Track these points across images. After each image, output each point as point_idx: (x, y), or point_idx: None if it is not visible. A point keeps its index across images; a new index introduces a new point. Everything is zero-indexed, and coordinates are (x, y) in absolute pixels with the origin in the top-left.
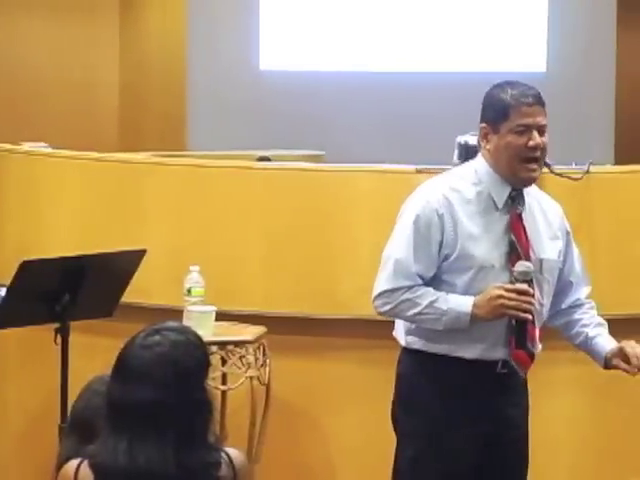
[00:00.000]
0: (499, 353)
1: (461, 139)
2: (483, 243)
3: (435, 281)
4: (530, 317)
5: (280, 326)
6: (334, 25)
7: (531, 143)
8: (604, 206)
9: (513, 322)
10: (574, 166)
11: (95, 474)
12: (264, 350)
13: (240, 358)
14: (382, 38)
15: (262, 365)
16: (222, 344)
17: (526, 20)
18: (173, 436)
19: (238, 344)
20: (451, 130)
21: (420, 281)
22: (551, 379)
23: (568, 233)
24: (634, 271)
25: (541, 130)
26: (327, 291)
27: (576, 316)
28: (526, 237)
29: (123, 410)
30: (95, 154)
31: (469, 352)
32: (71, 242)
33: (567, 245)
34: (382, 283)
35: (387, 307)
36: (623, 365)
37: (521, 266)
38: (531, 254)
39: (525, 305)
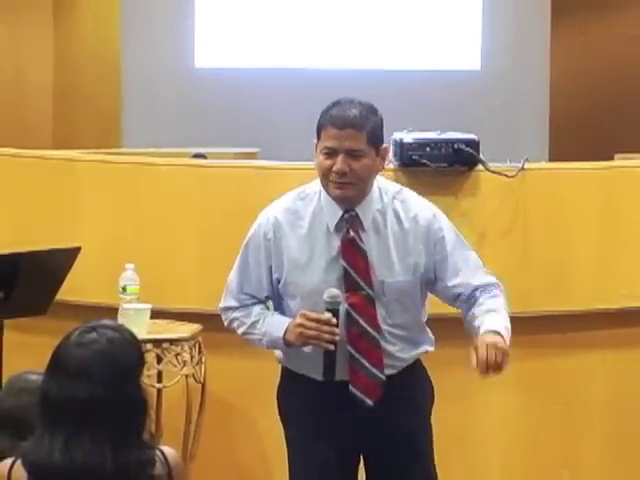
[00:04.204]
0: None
1: (396, 137)
2: (312, 269)
3: (279, 300)
4: (332, 347)
5: (216, 323)
6: (269, 22)
7: (334, 168)
8: (539, 203)
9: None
10: (509, 163)
11: (29, 473)
12: (200, 348)
13: (176, 356)
14: (317, 35)
15: (198, 363)
16: (157, 342)
17: (461, 18)
18: (109, 434)
19: (173, 342)
20: (387, 128)
21: (249, 301)
22: (480, 379)
23: (443, 238)
24: (568, 268)
25: (353, 155)
26: None
27: (469, 313)
28: (365, 260)
29: (59, 408)
30: (30, 151)
31: (317, 374)
32: (5, 240)
33: (439, 250)
34: (221, 300)
35: (226, 322)
36: (473, 361)
37: (326, 294)
38: (372, 276)
39: (326, 335)
